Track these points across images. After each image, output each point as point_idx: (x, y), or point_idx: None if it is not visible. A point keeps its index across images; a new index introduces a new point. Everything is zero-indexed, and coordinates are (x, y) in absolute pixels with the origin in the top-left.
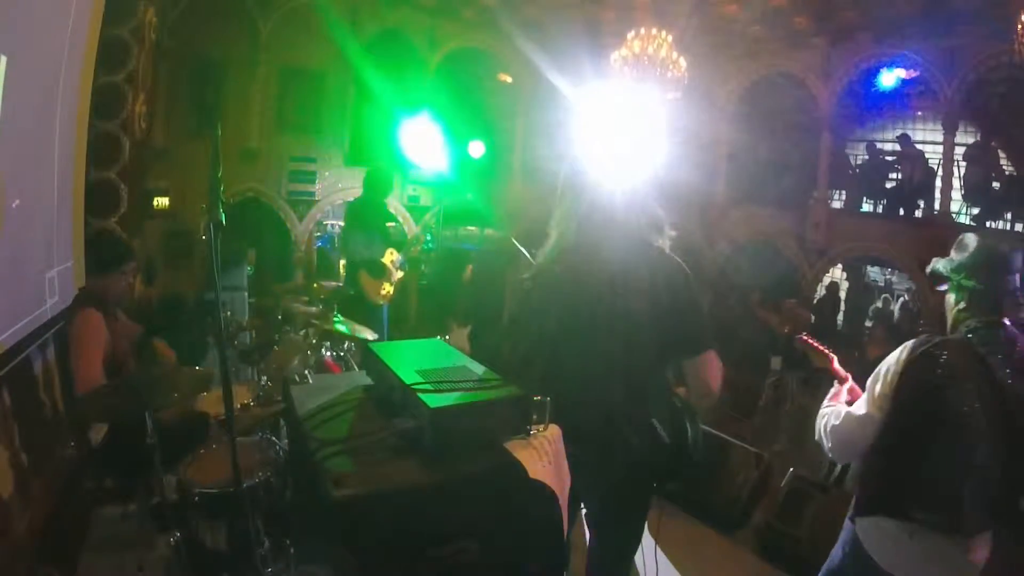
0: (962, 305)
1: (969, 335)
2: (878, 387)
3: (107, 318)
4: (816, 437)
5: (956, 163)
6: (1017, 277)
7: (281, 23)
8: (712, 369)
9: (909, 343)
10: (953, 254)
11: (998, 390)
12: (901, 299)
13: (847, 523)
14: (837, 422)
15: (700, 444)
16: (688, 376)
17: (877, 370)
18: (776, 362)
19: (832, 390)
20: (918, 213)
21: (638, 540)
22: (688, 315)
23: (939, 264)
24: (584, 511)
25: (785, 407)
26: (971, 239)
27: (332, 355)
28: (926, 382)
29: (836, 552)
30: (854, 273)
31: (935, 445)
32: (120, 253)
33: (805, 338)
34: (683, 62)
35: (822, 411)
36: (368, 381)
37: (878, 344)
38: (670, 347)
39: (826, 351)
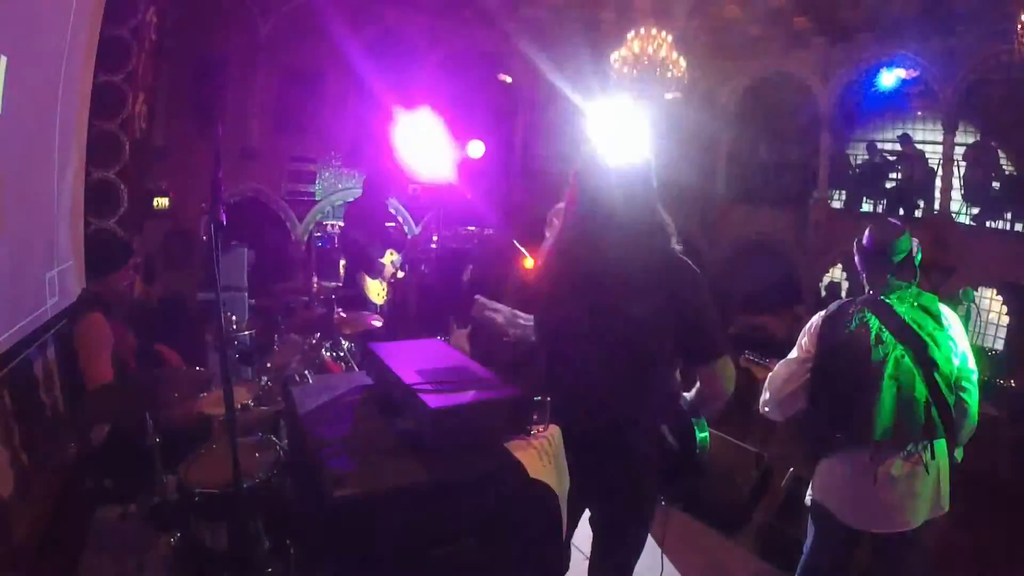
0: (864, 275)
1: (871, 292)
2: (804, 338)
3: (111, 321)
4: (761, 409)
5: (956, 163)
6: (898, 256)
7: (281, 23)
8: (727, 374)
9: (830, 304)
10: (863, 239)
11: (899, 325)
12: None
13: (807, 503)
14: (775, 372)
15: (707, 452)
16: (702, 381)
17: (803, 331)
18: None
19: None
20: (918, 213)
21: (642, 545)
22: (702, 321)
23: (855, 245)
24: (589, 515)
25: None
26: (868, 229)
27: (332, 355)
28: (841, 322)
29: (805, 544)
30: (854, 273)
31: (854, 377)
32: (119, 252)
33: (749, 356)
34: (683, 62)
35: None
36: (368, 381)
37: None
38: (684, 353)
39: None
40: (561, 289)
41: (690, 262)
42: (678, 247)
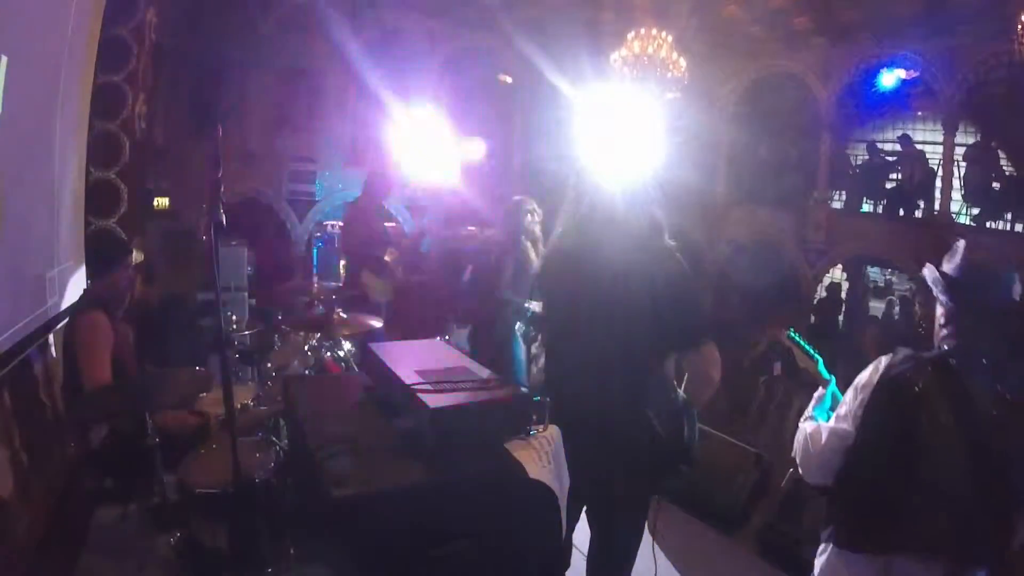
0: (943, 320)
1: (951, 357)
2: (854, 403)
3: (111, 321)
4: (792, 453)
5: (956, 163)
6: (1004, 297)
7: (281, 23)
8: (711, 361)
9: (885, 358)
10: (944, 263)
11: (974, 412)
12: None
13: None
14: (811, 433)
15: (696, 441)
16: (689, 369)
17: (854, 383)
18: (778, 367)
19: (815, 395)
20: (918, 213)
21: (638, 538)
22: (686, 310)
23: (926, 272)
24: (585, 509)
25: (772, 406)
26: (960, 250)
27: (332, 355)
28: (898, 401)
29: None
30: (854, 273)
31: (908, 468)
32: (117, 251)
33: (793, 336)
34: (683, 62)
35: (800, 425)
36: (368, 381)
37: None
38: (669, 342)
39: (811, 352)
40: (561, 285)
41: (673, 251)
42: (670, 243)
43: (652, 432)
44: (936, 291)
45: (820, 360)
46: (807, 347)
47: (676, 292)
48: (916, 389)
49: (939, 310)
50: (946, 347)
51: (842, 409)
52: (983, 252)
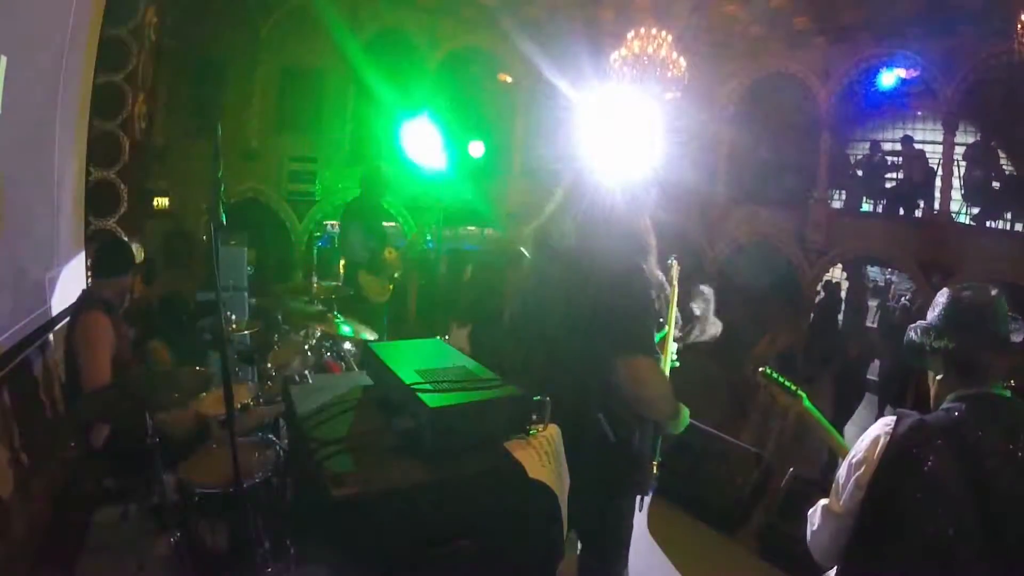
0: (941, 375)
1: (955, 412)
2: (849, 482)
3: (112, 321)
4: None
5: (956, 163)
6: (1002, 328)
7: (281, 23)
8: (635, 376)
9: (883, 427)
10: (928, 316)
11: (997, 486)
12: (903, 300)
13: None
14: (810, 514)
15: (648, 444)
16: (619, 377)
17: (849, 458)
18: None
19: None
20: (918, 213)
21: (618, 544)
22: (618, 317)
23: (911, 333)
24: None
25: (773, 406)
26: (943, 293)
27: (332, 355)
28: (908, 486)
29: None
30: (854, 273)
31: (922, 560)
32: (125, 258)
33: (769, 373)
34: (683, 62)
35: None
36: (368, 381)
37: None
38: (611, 346)
39: (794, 389)
40: (541, 288)
41: (643, 273)
42: (648, 264)
43: (602, 436)
44: (927, 342)
45: (804, 396)
46: (786, 383)
47: (614, 299)
48: (926, 468)
49: (931, 369)
50: (954, 411)
51: (836, 486)
52: (966, 291)
